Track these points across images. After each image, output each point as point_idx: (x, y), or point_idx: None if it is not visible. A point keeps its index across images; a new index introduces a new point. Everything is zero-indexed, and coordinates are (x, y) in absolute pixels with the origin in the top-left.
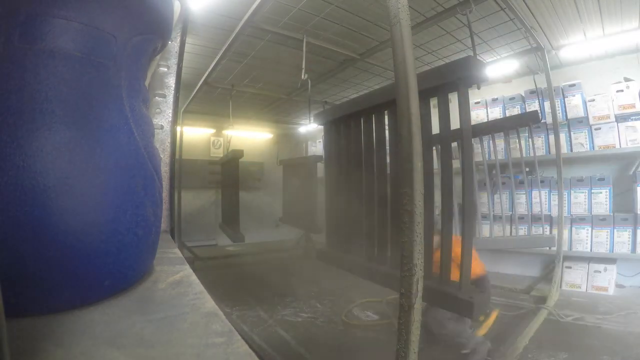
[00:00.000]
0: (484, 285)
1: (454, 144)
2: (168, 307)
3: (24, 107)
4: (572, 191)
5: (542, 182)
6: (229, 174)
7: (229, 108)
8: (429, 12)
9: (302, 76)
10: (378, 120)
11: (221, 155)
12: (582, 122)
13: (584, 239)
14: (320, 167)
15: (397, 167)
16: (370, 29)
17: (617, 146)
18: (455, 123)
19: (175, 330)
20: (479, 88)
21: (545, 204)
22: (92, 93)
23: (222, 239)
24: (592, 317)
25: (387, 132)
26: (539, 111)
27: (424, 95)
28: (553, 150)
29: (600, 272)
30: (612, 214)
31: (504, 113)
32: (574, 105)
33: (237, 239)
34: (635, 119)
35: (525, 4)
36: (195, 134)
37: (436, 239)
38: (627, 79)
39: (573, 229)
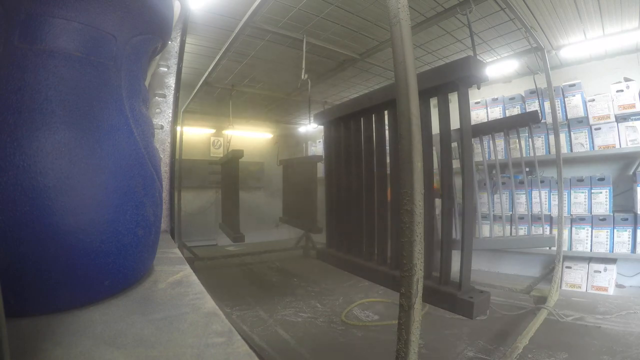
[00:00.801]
0: None
1: (454, 144)
2: (168, 307)
3: (24, 107)
4: (572, 191)
5: (542, 182)
6: (229, 174)
7: (229, 108)
8: (429, 12)
9: (302, 76)
10: (378, 120)
11: (221, 155)
12: (582, 122)
13: (584, 239)
14: (320, 167)
15: (397, 167)
16: (370, 29)
17: (617, 146)
18: (455, 123)
19: (175, 330)
20: (479, 88)
21: (545, 204)
22: (92, 93)
23: (222, 239)
24: (592, 317)
25: (387, 132)
26: (539, 111)
27: (424, 95)
28: (553, 150)
29: (600, 272)
30: (612, 214)
31: (504, 113)
32: (574, 105)
33: (237, 239)
34: (635, 119)
35: (525, 4)
36: (195, 134)
37: None
38: (627, 79)
39: (573, 229)
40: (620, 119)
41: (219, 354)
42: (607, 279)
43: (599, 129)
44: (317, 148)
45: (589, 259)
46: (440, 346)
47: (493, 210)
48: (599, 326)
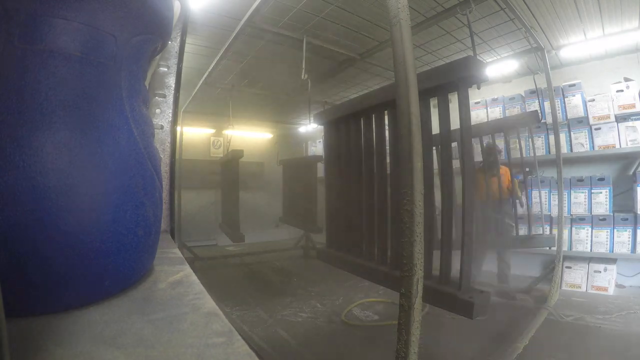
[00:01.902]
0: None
1: (454, 144)
2: (168, 307)
3: (24, 107)
4: (572, 191)
5: (542, 182)
6: (229, 174)
7: (229, 108)
8: (429, 12)
9: (302, 76)
10: (378, 120)
11: (221, 155)
12: (582, 122)
13: (584, 239)
14: (320, 167)
15: (397, 167)
16: (370, 29)
17: (617, 146)
18: (455, 123)
19: (175, 330)
20: (479, 88)
21: (545, 204)
22: (92, 93)
23: (222, 239)
24: (592, 317)
25: (387, 132)
26: (539, 111)
27: (424, 95)
28: (553, 150)
29: (600, 272)
30: (612, 214)
31: (504, 113)
32: (574, 105)
33: (237, 239)
34: (635, 119)
35: (525, 4)
36: (195, 134)
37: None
38: (627, 79)
39: (573, 229)
40: (620, 119)
41: (219, 354)
42: (607, 279)
43: (599, 129)
44: (317, 148)
45: (589, 259)
46: (440, 346)
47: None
48: (599, 326)
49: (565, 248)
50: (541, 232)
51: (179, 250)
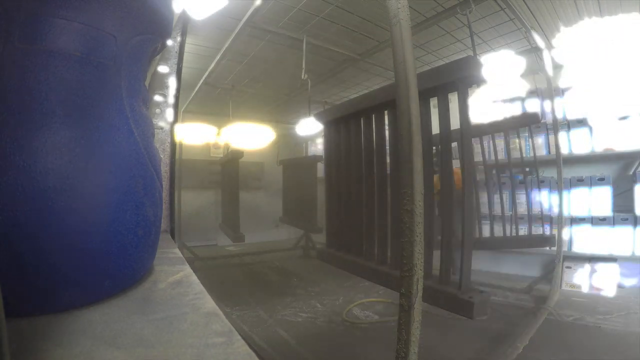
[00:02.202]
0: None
1: (454, 144)
2: (168, 307)
3: (24, 107)
4: (572, 191)
5: (542, 182)
6: (229, 174)
7: (229, 108)
8: (429, 12)
9: (302, 76)
10: (378, 120)
11: (221, 155)
12: (582, 122)
13: (584, 239)
14: (320, 167)
15: (397, 167)
16: (370, 29)
17: (617, 146)
18: (455, 123)
19: (175, 330)
20: (479, 88)
21: (546, 204)
22: (92, 93)
23: (222, 239)
24: (592, 317)
25: (387, 132)
26: (538, 112)
27: (424, 95)
28: (553, 150)
29: (600, 272)
30: (612, 214)
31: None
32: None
33: (237, 239)
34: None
35: (525, 4)
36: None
37: None
38: None
39: (573, 229)
40: (621, 118)
41: (219, 354)
42: (607, 279)
43: (599, 129)
44: (317, 148)
45: (589, 259)
46: (440, 346)
47: (493, 210)
48: (599, 326)
49: (565, 248)
50: (541, 232)
51: (179, 250)
